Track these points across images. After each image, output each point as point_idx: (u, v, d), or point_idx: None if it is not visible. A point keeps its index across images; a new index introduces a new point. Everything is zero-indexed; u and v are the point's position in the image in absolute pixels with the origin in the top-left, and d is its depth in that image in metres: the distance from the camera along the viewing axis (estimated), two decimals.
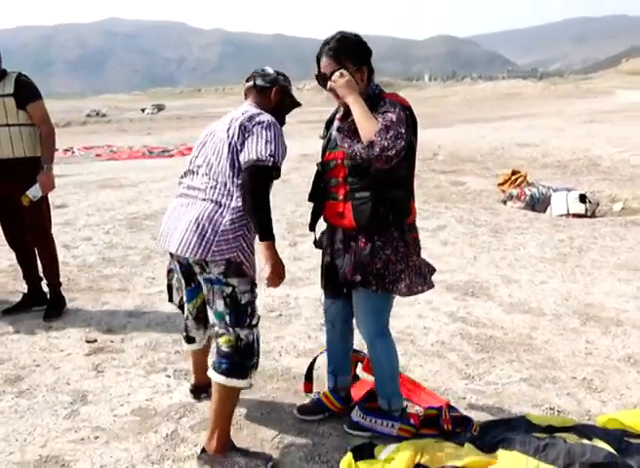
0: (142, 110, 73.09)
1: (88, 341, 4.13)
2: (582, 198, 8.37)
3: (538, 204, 8.64)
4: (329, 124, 2.89)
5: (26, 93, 4.36)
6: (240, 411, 3.15)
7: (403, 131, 2.46)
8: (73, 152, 20.63)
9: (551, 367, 3.72)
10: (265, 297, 4.85)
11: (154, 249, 6.55)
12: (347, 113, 2.71)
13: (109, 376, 3.62)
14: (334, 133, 2.73)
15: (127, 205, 9.15)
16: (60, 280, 5.50)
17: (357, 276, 2.70)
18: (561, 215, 8.20)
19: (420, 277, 2.77)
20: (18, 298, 5.07)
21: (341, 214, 2.70)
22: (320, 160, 2.84)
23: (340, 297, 2.91)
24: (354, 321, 2.97)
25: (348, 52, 2.61)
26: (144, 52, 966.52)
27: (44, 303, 4.76)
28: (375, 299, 2.79)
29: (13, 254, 6.42)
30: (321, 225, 2.94)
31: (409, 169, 2.70)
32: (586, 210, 8.24)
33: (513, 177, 9.57)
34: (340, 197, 2.69)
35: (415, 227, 2.80)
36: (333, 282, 2.84)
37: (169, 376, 3.60)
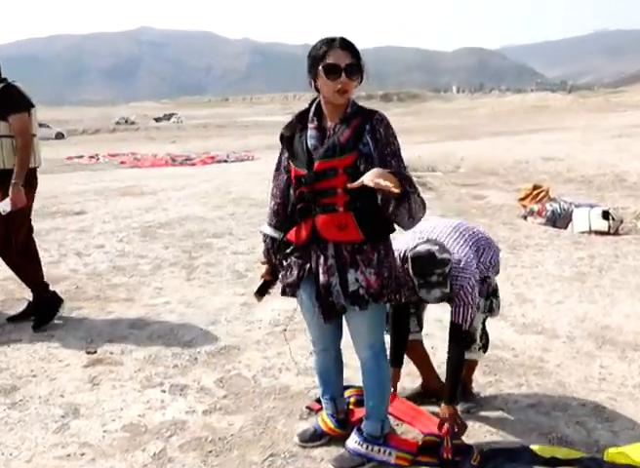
0: (156, 120, 73.53)
1: (88, 352, 4.07)
2: (606, 215, 8.15)
3: (559, 220, 8.43)
4: (292, 134, 2.68)
5: (10, 104, 4.30)
6: (232, 431, 3.05)
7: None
8: (98, 159, 20.84)
9: (562, 392, 3.56)
10: (271, 311, 4.76)
11: (165, 258, 6.51)
12: (321, 123, 2.60)
13: (104, 390, 3.55)
14: (311, 141, 2.59)
15: (144, 213, 9.14)
16: (69, 288, 5.51)
17: (381, 289, 2.60)
18: (583, 232, 7.99)
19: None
20: (24, 306, 5.05)
21: (344, 227, 2.55)
22: (299, 170, 2.61)
23: (331, 320, 2.74)
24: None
25: (358, 50, 2.53)
26: (173, 61, 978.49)
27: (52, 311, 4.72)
28: (380, 312, 2.72)
29: None
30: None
31: None
32: (609, 227, 8.02)
33: (535, 192, 9.36)
34: (340, 208, 2.54)
35: None
36: (330, 304, 2.64)
37: (164, 392, 3.51)
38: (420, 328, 3.43)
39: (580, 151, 17.37)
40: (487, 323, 3.36)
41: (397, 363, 3.27)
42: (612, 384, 3.68)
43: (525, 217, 8.83)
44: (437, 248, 2.88)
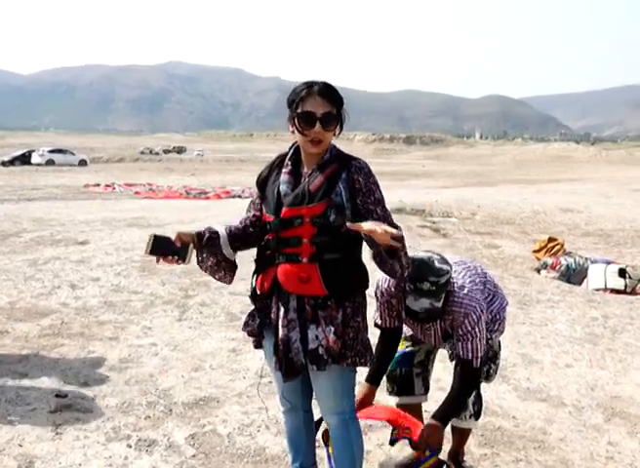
0: (165, 152, 73.71)
1: (57, 396, 3.82)
2: (622, 272, 7.82)
3: (573, 275, 8.11)
4: (264, 180, 2.52)
5: None
6: None
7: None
8: (114, 188, 20.85)
9: None
10: (259, 360, 4.48)
11: (159, 295, 6.29)
12: (296, 169, 2.42)
13: (66, 440, 3.29)
14: (283, 187, 2.40)
15: None
16: (54, 323, 5.30)
17: (342, 351, 2.37)
18: (597, 290, 7.66)
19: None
20: (5, 340, 4.85)
21: (306, 279, 2.33)
22: (268, 216, 2.42)
23: (291, 378, 2.48)
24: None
25: (339, 98, 2.36)
26: (202, 95, 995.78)
27: None
28: (347, 375, 2.47)
29: (14, 291, 6.31)
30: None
31: None
32: (626, 286, 7.68)
33: (550, 245, 9.08)
34: (304, 259, 2.33)
35: None
36: (290, 360, 2.41)
37: (130, 446, 3.25)
38: (426, 390, 3.19)
39: (599, 204, 17.05)
40: (482, 387, 3.12)
41: (374, 381, 2.98)
42: (619, 464, 3.36)
43: (538, 271, 8.52)
44: (438, 257, 2.70)
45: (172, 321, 5.50)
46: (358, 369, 2.49)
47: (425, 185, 28.94)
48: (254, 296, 2.53)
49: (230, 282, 2.59)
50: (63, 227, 10.77)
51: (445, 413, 2.80)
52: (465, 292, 2.79)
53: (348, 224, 2.18)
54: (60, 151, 47.61)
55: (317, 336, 2.36)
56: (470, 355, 2.76)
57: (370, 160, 2.91)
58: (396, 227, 2.25)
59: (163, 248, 2.40)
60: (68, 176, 30.26)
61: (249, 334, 2.59)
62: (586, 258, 8.41)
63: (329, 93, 2.32)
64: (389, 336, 2.99)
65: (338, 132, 2.39)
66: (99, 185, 21.98)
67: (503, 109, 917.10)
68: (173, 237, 2.43)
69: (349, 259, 2.35)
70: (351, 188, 2.33)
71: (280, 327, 2.40)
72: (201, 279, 6.96)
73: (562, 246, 9.07)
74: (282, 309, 2.40)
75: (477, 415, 3.12)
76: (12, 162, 44.08)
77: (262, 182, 2.51)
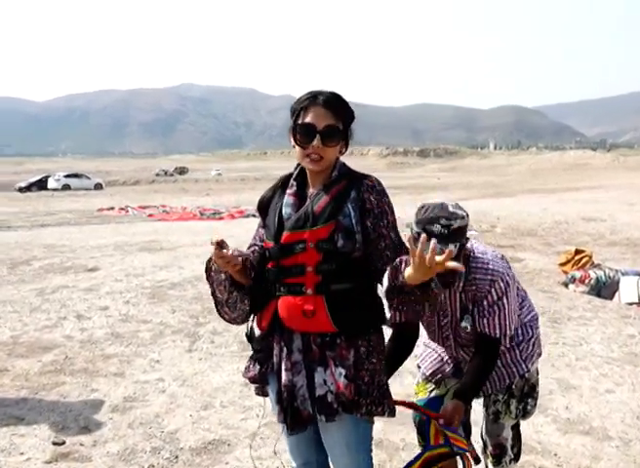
0: (165, 173, 73.30)
1: (54, 443, 3.51)
2: None
3: (604, 289, 7.70)
4: (265, 205, 2.21)
5: None
6: None
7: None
8: (127, 211, 20.70)
9: None
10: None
11: (169, 324, 5.99)
12: (301, 190, 2.12)
13: None
14: (287, 209, 2.09)
15: (158, 271, 8.69)
16: (57, 358, 5.02)
17: (356, 398, 2.01)
18: (631, 304, 7.24)
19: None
20: (4, 379, 4.56)
21: (311, 314, 2.00)
22: (268, 242, 2.11)
23: (297, 431, 2.12)
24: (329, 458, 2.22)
25: (346, 111, 2.08)
26: (214, 116, 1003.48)
27: None
28: (362, 427, 2.10)
29: (19, 324, 6.04)
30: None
31: None
32: None
33: (577, 257, 8.66)
34: (309, 290, 2.00)
35: None
36: (295, 410, 2.05)
37: None
38: (468, 435, 2.71)
39: (622, 212, 16.57)
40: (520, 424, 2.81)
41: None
42: None
43: (566, 285, 8.11)
44: (453, 203, 2.39)
45: (181, 352, 5.19)
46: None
47: (442, 198, 28.52)
48: (251, 337, 2.20)
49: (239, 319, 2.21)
50: (74, 253, 10.54)
51: (467, 392, 2.46)
52: (489, 256, 2.46)
53: (448, 265, 1.77)
54: (75, 176, 47.89)
55: (325, 381, 2.01)
56: (498, 331, 2.43)
57: (384, 174, 2.61)
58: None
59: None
60: (83, 201, 30.25)
61: (250, 381, 2.24)
62: (617, 270, 7.99)
63: (335, 104, 2.04)
64: (399, 333, 2.61)
65: (344, 149, 2.09)
66: (112, 209, 21.84)
67: (517, 119, 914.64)
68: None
69: (361, 290, 2.02)
70: (361, 209, 2.02)
71: (283, 371, 2.06)
72: (212, 305, 6.64)
73: (590, 258, 8.65)
74: (285, 350, 2.07)
75: (517, 458, 2.81)
76: (28, 188, 44.40)
77: (265, 206, 2.20)
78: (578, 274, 8.05)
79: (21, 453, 3.40)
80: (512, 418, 2.67)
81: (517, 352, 2.61)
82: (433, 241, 1.76)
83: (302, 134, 2.02)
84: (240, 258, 2.03)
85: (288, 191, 2.13)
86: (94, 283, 7.94)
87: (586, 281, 7.83)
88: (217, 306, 2.23)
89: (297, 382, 2.04)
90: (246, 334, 2.21)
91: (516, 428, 2.78)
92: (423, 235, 1.78)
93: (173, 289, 7.50)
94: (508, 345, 2.54)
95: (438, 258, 1.73)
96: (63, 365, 4.85)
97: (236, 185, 48.93)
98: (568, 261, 8.71)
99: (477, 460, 2.39)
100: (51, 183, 45.17)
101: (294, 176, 2.16)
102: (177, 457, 3.37)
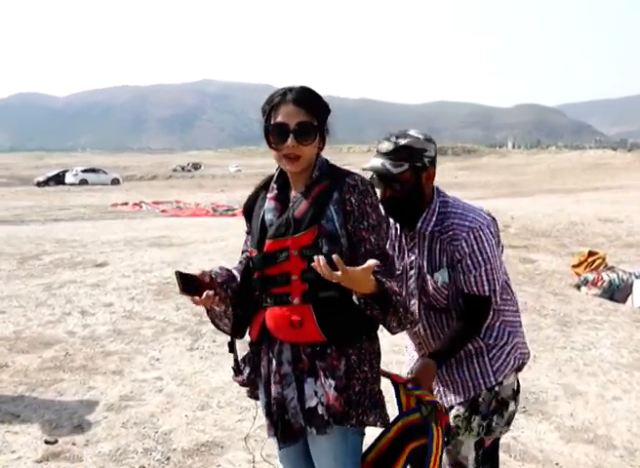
0: (182, 168, 73.22)
1: (47, 442, 3.48)
2: None
3: (617, 292, 7.55)
4: (249, 209, 2.13)
5: None
6: None
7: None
8: (141, 206, 20.77)
9: None
10: None
11: (172, 321, 5.95)
12: (283, 192, 2.03)
13: None
14: (269, 215, 2.01)
15: (166, 267, 8.64)
16: (57, 355, 5.00)
17: (346, 409, 1.92)
18: None
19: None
20: (3, 374, 4.54)
21: (299, 324, 1.92)
22: (252, 250, 2.04)
23: (289, 444, 2.04)
24: None
25: (320, 106, 1.98)
26: (233, 112, 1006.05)
27: None
28: (351, 438, 2.01)
29: (22, 319, 6.04)
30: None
31: None
32: None
33: (590, 259, 8.51)
34: (296, 299, 1.93)
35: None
36: (286, 423, 1.98)
37: None
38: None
39: None
40: (484, 446, 2.34)
41: None
42: None
43: (578, 287, 7.97)
44: (422, 132, 2.24)
45: (182, 351, 5.14)
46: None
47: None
48: (232, 348, 2.14)
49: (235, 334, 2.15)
50: (85, 248, 10.54)
51: (441, 352, 2.21)
52: (473, 207, 2.27)
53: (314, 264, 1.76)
54: (93, 171, 48.25)
55: (316, 392, 1.93)
56: (487, 287, 2.17)
57: None
58: (385, 264, 1.88)
59: (193, 284, 1.95)
60: (99, 196, 30.42)
61: (240, 385, 2.18)
62: (630, 273, 7.84)
63: (306, 100, 1.94)
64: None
65: (321, 145, 2.00)
66: (126, 204, 21.94)
67: (536, 118, 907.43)
68: (198, 273, 1.98)
69: (350, 297, 1.90)
70: (344, 211, 1.92)
71: (272, 383, 1.99)
72: None
73: (603, 260, 8.49)
74: (274, 361, 1.99)
75: None
76: (46, 182, 44.81)
77: (249, 210, 2.13)
78: (590, 276, 7.91)
79: (13, 452, 3.38)
80: (474, 436, 2.30)
81: (486, 359, 2.29)
82: (317, 257, 1.73)
83: (275, 134, 1.94)
84: (212, 292, 1.91)
85: (269, 195, 2.05)
86: (101, 278, 7.92)
87: (599, 283, 7.69)
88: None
89: (287, 395, 1.97)
90: (229, 344, 2.13)
91: (478, 450, 2.33)
92: (320, 257, 1.73)
93: None
94: (499, 301, 2.25)
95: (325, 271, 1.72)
96: (63, 361, 4.83)
97: (252, 181, 48.48)
98: (581, 263, 8.56)
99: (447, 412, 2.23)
100: (68, 178, 45.54)
101: (274, 179, 2.08)
102: (168, 459, 3.32)
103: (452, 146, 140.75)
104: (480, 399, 2.28)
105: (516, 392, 2.37)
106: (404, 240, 2.32)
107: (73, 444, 3.47)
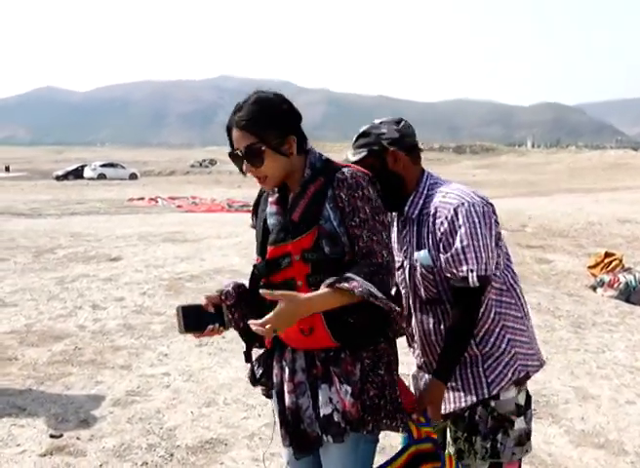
0: (200, 164, 73.16)
1: (52, 436, 3.48)
2: None
3: (633, 294, 7.42)
4: (256, 207, 2.10)
5: None
6: None
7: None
8: (157, 202, 20.84)
9: None
10: None
11: None
12: (283, 195, 1.97)
13: None
14: (271, 220, 1.95)
15: (179, 262, 8.67)
16: (66, 348, 5.01)
17: (361, 415, 1.84)
18: None
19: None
20: (12, 367, 4.56)
21: (309, 331, 1.86)
22: (257, 258, 2.00)
23: (304, 454, 1.96)
24: None
25: (267, 117, 1.87)
26: None
27: None
28: (364, 446, 1.93)
29: (34, 312, 6.06)
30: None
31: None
32: None
33: (606, 260, 8.38)
34: None
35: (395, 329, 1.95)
36: (301, 432, 1.90)
37: None
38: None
39: None
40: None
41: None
42: None
43: (594, 289, 7.85)
44: (387, 119, 2.19)
45: (191, 346, 5.13)
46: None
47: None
48: (255, 377, 2.08)
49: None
50: (99, 243, 10.59)
51: (442, 364, 2.06)
52: (459, 186, 2.12)
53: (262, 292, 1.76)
54: (111, 165, 48.54)
55: (331, 399, 1.85)
56: (464, 268, 1.98)
57: None
58: (379, 267, 1.79)
59: (197, 318, 1.90)
60: (116, 190, 30.59)
61: (254, 383, 2.10)
62: None
63: (250, 120, 1.84)
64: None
65: (292, 150, 1.89)
66: (142, 199, 22.02)
67: (556, 116, 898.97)
68: (202, 302, 1.95)
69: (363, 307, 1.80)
70: (338, 208, 1.85)
71: (286, 392, 1.92)
72: None
73: (620, 261, 8.36)
74: (287, 370, 1.92)
75: None
76: (65, 176, 45.18)
77: (255, 213, 2.08)
78: (606, 278, 7.79)
79: (18, 445, 3.38)
80: (480, 459, 2.11)
81: (480, 370, 2.10)
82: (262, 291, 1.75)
83: (233, 161, 1.91)
84: (216, 326, 1.93)
85: (270, 199, 1.99)
86: (114, 273, 7.95)
87: (615, 285, 7.57)
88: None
89: (302, 404, 1.89)
90: (245, 354, 2.06)
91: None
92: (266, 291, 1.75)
93: (191, 281, 7.46)
94: (496, 286, 2.09)
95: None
96: (72, 355, 4.84)
97: None
98: (597, 264, 8.44)
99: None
100: (87, 172, 45.87)
101: None
102: (171, 455, 3.30)
103: (470, 144, 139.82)
104: (477, 417, 2.11)
105: (524, 407, 2.15)
106: (398, 227, 2.23)
107: (78, 438, 3.46)
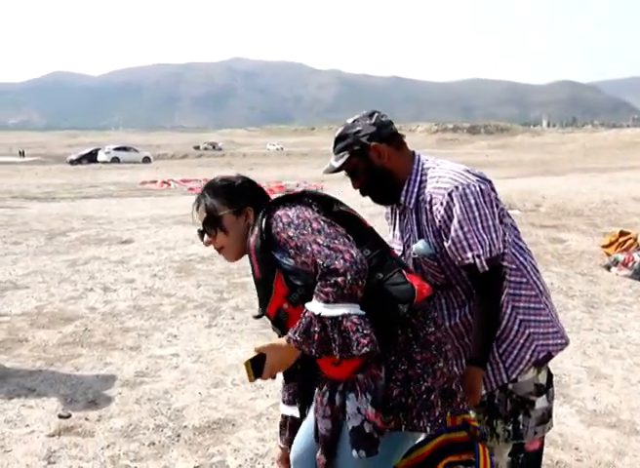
0: (213, 147, 73.23)
1: (60, 416, 3.48)
2: None
3: None
4: None
5: None
6: None
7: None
8: (169, 184, 20.85)
9: None
10: None
11: (192, 298, 5.94)
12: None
13: None
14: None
15: (189, 244, 8.66)
16: (77, 330, 5.03)
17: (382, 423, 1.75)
18: None
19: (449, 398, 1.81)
20: (22, 349, 4.58)
21: (338, 362, 1.76)
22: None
23: None
24: None
25: (210, 195, 1.94)
26: (264, 90, 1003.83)
27: None
28: (388, 446, 1.78)
29: (45, 294, 6.09)
30: None
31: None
32: None
33: (621, 239, 8.27)
34: None
35: (425, 305, 1.83)
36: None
37: None
38: None
39: None
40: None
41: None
42: None
43: (608, 268, 7.75)
44: (358, 116, 2.13)
45: (200, 327, 5.13)
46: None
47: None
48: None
49: None
50: (111, 225, 10.63)
51: (477, 350, 2.01)
52: (450, 166, 2.06)
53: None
54: (124, 149, 48.65)
55: (359, 409, 1.75)
56: (469, 254, 1.94)
57: (433, 151, 2.37)
58: (344, 277, 1.65)
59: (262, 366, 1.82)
60: (129, 174, 30.66)
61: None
62: None
63: (203, 201, 1.95)
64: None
65: (252, 215, 1.90)
66: (155, 182, 22.03)
67: (572, 95, 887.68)
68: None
69: (370, 308, 1.70)
70: (279, 246, 1.81)
71: (321, 418, 1.87)
72: (239, 280, 6.59)
73: (635, 240, 8.25)
74: (327, 394, 1.88)
75: None
76: (79, 160, 45.35)
77: None
78: (621, 257, 7.69)
79: (27, 425, 3.39)
80: (503, 442, 2.11)
81: (496, 355, 2.07)
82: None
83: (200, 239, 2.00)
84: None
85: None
86: (125, 255, 7.96)
87: (630, 264, 7.47)
88: None
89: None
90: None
91: (514, 457, 2.14)
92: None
93: (201, 262, 7.46)
94: (508, 264, 2.04)
95: None
96: (82, 337, 4.85)
97: (281, 160, 48.89)
98: (611, 243, 8.33)
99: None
100: (100, 156, 46.02)
101: None
102: (179, 436, 3.29)
103: (485, 124, 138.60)
104: (496, 400, 2.10)
105: (545, 386, 2.13)
106: (398, 218, 2.19)
107: (86, 419, 3.47)
